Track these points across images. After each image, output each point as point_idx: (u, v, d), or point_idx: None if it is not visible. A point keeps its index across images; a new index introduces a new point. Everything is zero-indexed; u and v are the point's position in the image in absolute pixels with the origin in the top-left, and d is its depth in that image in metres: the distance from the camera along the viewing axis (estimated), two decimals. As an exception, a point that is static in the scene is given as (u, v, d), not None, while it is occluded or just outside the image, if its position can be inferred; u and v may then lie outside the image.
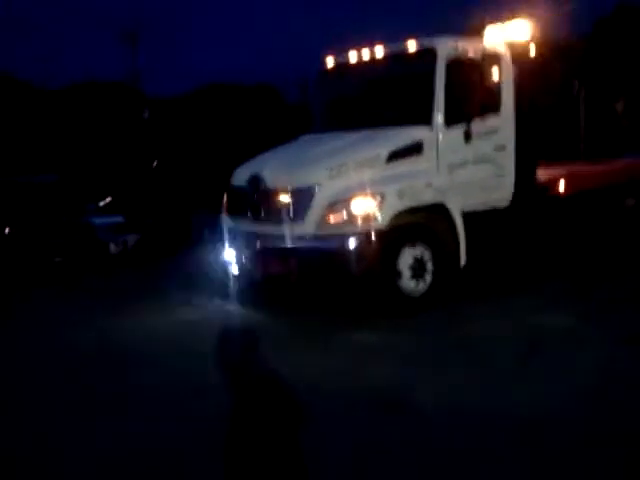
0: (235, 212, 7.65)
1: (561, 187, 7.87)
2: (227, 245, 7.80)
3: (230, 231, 7.73)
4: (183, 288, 8.62)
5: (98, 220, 17.92)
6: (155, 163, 30.32)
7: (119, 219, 18.11)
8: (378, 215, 6.51)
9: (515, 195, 7.57)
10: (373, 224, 6.51)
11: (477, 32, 7.78)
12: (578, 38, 14.41)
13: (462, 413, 4.30)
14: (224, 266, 7.82)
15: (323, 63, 8.25)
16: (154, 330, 6.86)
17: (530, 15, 7.73)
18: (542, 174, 7.78)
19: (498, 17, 7.80)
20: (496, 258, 7.47)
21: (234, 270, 7.71)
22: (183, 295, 8.24)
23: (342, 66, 8.06)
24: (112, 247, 17.26)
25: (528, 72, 7.56)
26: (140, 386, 5.15)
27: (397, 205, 6.60)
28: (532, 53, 7.55)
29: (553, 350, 5.45)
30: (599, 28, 20.30)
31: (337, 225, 6.62)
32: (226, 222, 7.85)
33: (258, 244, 7.20)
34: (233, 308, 7.70)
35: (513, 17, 7.67)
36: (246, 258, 7.44)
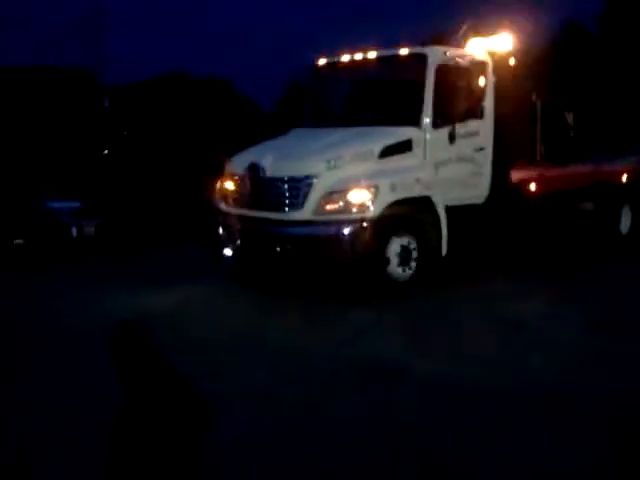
0: (231, 197, 8.09)
1: (532, 188, 8.61)
2: (221, 228, 8.26)
3: (225, 215, 8.18)
4: (180, 269, 9.08)
5: (56, 204, 17.98)
6: (106, 151, 30.17)
7: (76, 204, 18.21)
8: (372, 205, 7.07)
9: (491, 193, 8.28)
10: (367, 213, 7.08)
11: (460, 43, 8.42)
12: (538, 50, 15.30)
13: (447, 381, 4.91)
14: (219, 248, 8.28)
15: (316, 61, 8.78)
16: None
17: (510, 28, 8.43)
18: (515, 175, 8.50)
19: (481, 29, 8.47)
20: (473, 249, 8.14)
21: (228, 252, 8.17)
22: (181, 275, 8.69)
23: (335, 65, 8.60)
24: (74, 231, 17.39)
25: (506, 81, 8.26)
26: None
27: (389, 197, 7.19)
28: (511, 64, 8.26)
29: (529, 332, 6.09)
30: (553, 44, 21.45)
31: (333, 213, 7.16)
32: (221, 206, 8.29)
33: (256, 228, 7.69)
34: (229, 287, 8.20)
35: (495, 30, 8.36)
36: (242, 241, 7.91)
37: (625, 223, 10.17)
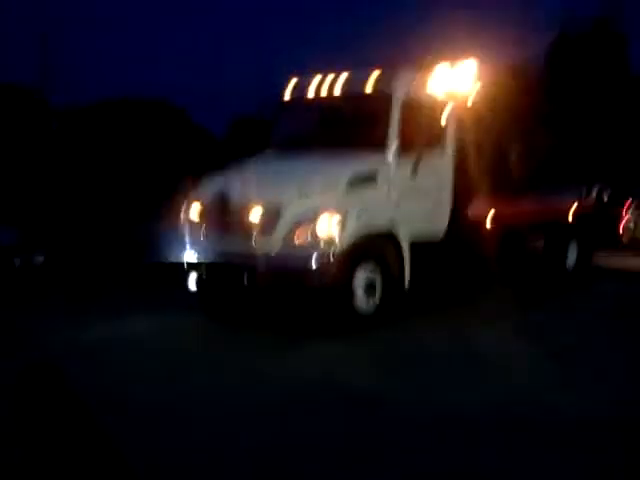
0: (198, 225, 8.03)
1: (487, 224, 8.89)
2: (186, 257, 8.18)
3: (191, 243, 8.10)
4: (140, 299, 8.93)
5: None
6: (44, 176, 29.40)
7: (13, 232, 17.64)
8: (340, 237, 7.18)
9: (449, 228, 8.51)
10: (334, 245, 7.17)
11: (427, 69, 8.61)
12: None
13: (422, 407, 5.09)
14: (183, 277, 8.19)
15: (286, 85, 8.89)
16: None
17: (477, 56, 8.69)
18: (472, 210, 8.77)
19: (446, 56, 8.70)
20: (433, 283, 8.32)
21: (192, 282, 8.09)
22: (142, 306, 8.56)
23: (304, 90, 8.69)
24: (17, 261, 16.83)
25: (467, 116, 8.54)
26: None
27: (357, 230, 7.30)
28: (473, 99, 8.54)
29: (484, 359, 6.33)
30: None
31: (301, 243, 7.22)
32: (186, 234, 8.21)
33: (222, 258, 7.66)
34: (193, 319, 8.13)
35: (460, 57, 8.59)
36: (207, 270, 7.85)
37: (571, 259, 10.60)
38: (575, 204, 10.90)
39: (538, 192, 10.36)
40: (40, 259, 16.74)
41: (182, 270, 8.20)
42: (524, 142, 10.88)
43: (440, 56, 8.67)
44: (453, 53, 8.71)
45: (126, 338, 7.24)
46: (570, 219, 10.57)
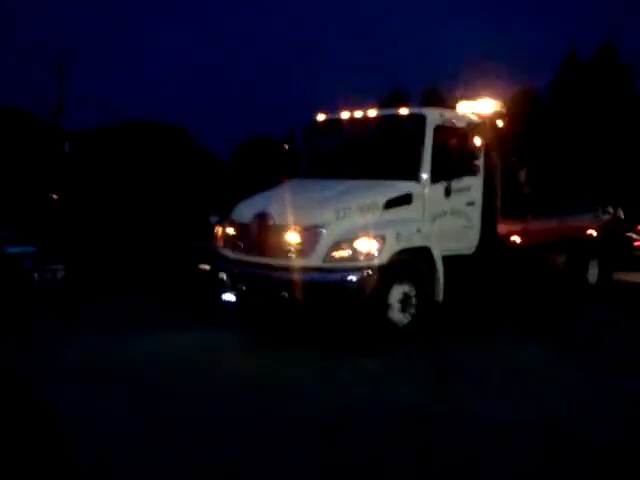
0: (236, 244, 8.36)
1: (516, 240, 9.23)
2: (224, 275, 8.50)
3: (229, 262, 8.43)
4: (179, 316, 9.21)
5: (10, 249, 17.73)
6: (55, 196, 29.89)
7: (31, 249, 18.01)
8: (378, 254, 7.49)
9: (479, 244, 8.84)
10: (373, 261, 7.48)
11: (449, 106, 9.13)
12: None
13: (462, 418, 5.29)
14: (220, 295, 8.50)
15: (316, 115, 9.29)
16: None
17: (493, 94, 9.20)
18: (501, 228, 9.11)
19: (466, 94, 9.22)
20: (464, 297, 8.62)
21: (230, 297, 8.39)
22: (181, 322, 8.84)
23: (335, 121, 9.12)
24: (36, 276, 17.15)
25: (493, 140, 8.94)
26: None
27: (394, 246, 7.62)
28: (498, 125, 8.98)
29: (524, 374, 6.56)
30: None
31: (341, 260, 7.53)
32: (224, 253, 8.55)
33: (263, 274, 7.96)
34: (232, 334, 8.40)
35: (480, 95, 9.11)
36: (247, 287, 8.16)
37: (592, 274, 10.94)
38: (593, 222, 11.26)
39: (557, 211, 10.71)
40: (60, 274, 17.06)
41: (219, 285, 8.53)
42: (540, 165, 11.26)
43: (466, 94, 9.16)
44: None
45: (173, 353, 7.48)
46: (589, 236, 10.92)
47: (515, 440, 4.81)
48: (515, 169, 10.07)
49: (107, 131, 35.27)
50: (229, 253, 8.47)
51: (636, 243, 12.89)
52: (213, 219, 19.27)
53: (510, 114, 9.21)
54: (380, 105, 10.65)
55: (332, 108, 9.28)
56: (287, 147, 9.99)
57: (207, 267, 13.59)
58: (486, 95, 9.22)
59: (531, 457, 4.53)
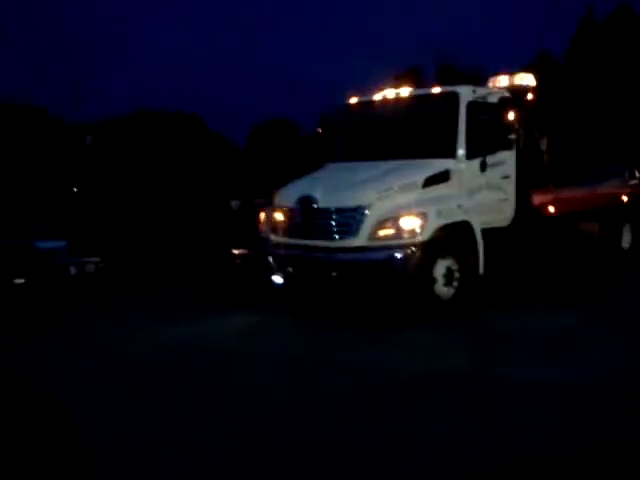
0: (282, 228, 8.67)
1: (550, 210, 9.45)
2: (271, 258, 8.83)
3: (275, 245, 8.75)
4: (232, 298, 9.57)
5: (43, 244, 18.18)
6: (75, 189, 30.29)
7: (63, 243, 18.46)
8: (421, 231, 7.77)
9: (516, 216, 9.08)
10: (417, 238, 7.76)
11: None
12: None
13: (514, 381, 5.48)
14: (268, 277, 8.84)
15: (349, 99, 9.53)
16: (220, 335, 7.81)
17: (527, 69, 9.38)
18: (536, 199, 9.34)
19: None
20: (504, 268, 8.88)
21: (278, 279, 8.73)
22: (236, 303, 9.20)
23: (368, 103, 9.36)
24: (72, 269, 17.62)
25: (525, 114, 9.14)
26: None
27: (436, 222, 7.89)
28: (530, 99, 9.16)
29: (571, 339, 6.80)
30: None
31: (386, 239, 7.82)
32: (270, 237, 8.87)
33: (309, 256, 8.27)
34: (279, 315, 8.73)
35: (515, 70, 9.31)
36: (295, 268, 8.48)
37: (626, 239, 11.15)
38: (622, 187, 11.45)
39: (580, 179, 10.92)
40: (92, 267, 17.50)
41: (267, 267, 8.86)
42: (560, 132, 11.38)
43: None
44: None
45: (230, 333, 7.81)
46: (621, 202, 11.11)
47: (560, 399, 5.07)
48: (537, 139, 10.25)
49: (123, 121, 35.54)
50: (274, 237, 8.79)
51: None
52: (234, 204, 19.59)
53: (538, 86, 9.39)
54: (397, 83, 10.78)
55: (347, 90, 9.53)
56: (320, 130, 10.23)
57: (242, 251, 13.96)
58: (518, 69, 9.39)
59: (576, 414, 4.78)
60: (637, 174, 14.35)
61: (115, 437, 4.57)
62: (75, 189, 29.81)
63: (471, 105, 8.55)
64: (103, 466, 3.01)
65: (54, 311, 10.07)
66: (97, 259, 17.79)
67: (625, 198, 11.06)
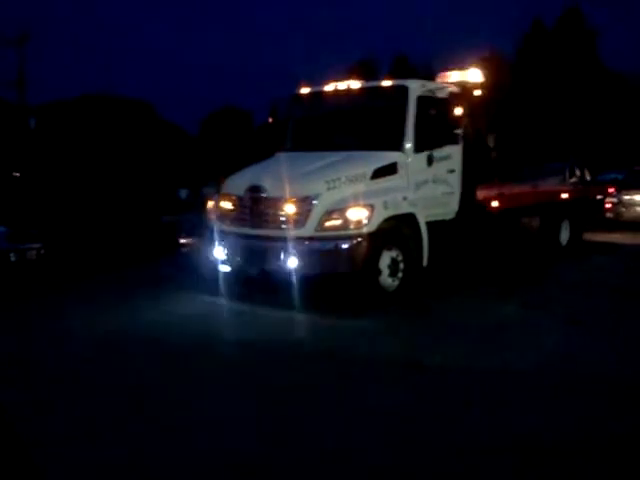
0: (230, 217, 8.65)
1: (494, 204, 9.69)
2: (218, 245, 8.80)
3: (223, 233, 8.72)
4: (173, 285, 9.47)
5: None
6: (17, 174, 29.46)
7: (2, 229, 17.99)
8: (368, 222, 7.86)
9: (460, 209, 9.28)
10: (364, 229, 7.86)
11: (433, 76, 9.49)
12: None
13: (453, 369, 5.69)
14: (213, 264, 8.81)
15: (299, 88, 9.55)
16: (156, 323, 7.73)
17: (477, 64, 9.57)
18: (480, 193, 9.56)
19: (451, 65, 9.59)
20: (447, 260, 9.08)
21: (226, 268, 8.72)
22: (176, 291, 9.12)
23: (319, 94, 9.40)
24: (12, 256, 17.19)
25: (473, 110, 9.33)
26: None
27: (383, 214, 8.00)
28: (478, 95, 9.36)
29: (511, 328, 7.04)
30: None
31: (334, 229, 7.89)
32: (218, 225, 8.83)
33: (257, 245, 8.29)
34: (225, 302, 8.71)
35: (465, 66, 9.48)
36: (241, 257, 8.48)
37: (564, 235, 11.53)
38: (563, 185, 11.83)
39: (529, 176, 11.23)
40: (33, 253, 17.09)
41: (214, 256, 8.83)
42: (507, 129, 11.68)
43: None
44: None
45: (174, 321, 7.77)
46: (561, 199, 11.48)
47: (506, 386, 5.27)
48: (483, 134, 10.49)
49: (69, 105, 34.58)
50: (222, 225, 8.76)
51: (607, 205, 13.52)
52: (182, 193, 19.34)
53: (488, 83, 9.60)
54: (350, 74, 10.91)
55: (299, 78, 9.57)
56: (271, 120, 10.21)
57: (188, 240, 13.86)
58: (466, 64, 9.56)
59: (514, 399, 4.99)
60: (577, 172, 14.82)
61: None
62: (16, 174, 28.98)
63: (420, 99, 8.68)
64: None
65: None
66: (39, 245, 17.39)
67: (565, 195, 11.43)
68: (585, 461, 3.95)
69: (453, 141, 8.98)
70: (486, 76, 9.63)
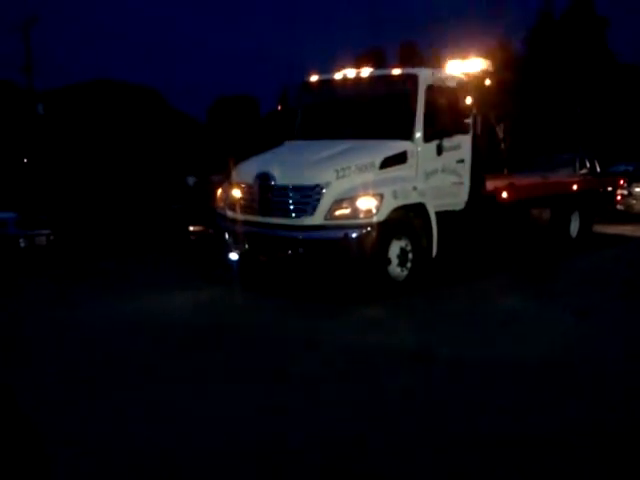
0: (239, 205, 8.64)
1: (504, 195, 9.64)
2: (227, 234, 8.81)
3: (232, 221, 8.72)
4: (185, 274, 9.51)
5: None
6: (25, 160, 29.55)
7: (12, 215, 18.08)
8: (377, 211, 7.84)
9: (469, 200, 9.24)
10: (373, 218, 7.83)
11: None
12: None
13: (462, 360, 5.65)
14: (224, 253, 8.83)
15: (309, 76, 9.51)
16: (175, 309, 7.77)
17: (482, 53, 9.51)
18: (490, 184, 9.52)
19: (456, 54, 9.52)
20: (456, 251, 9.05)
21: (234, 256, 8.73)
22: (189, 280, 9.14)
23: (328, 83, 9.35)
24: (22, 242, 17.30)
25: (482, 99, 9.28)
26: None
27: (392, 204, 7.97)
28: (486, 84, 9.30)
29: (519, 320, 7.01)
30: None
31: (342, 218, 7.86)
32: (227, 213, 8.83)
33: (266, 233, 8.28)
34: (234, 290, 8.74)
35: (469, 55, 9.41)
36: (250, 245, 8.48)
37: (574, 227, 11.47)
38: (573, 176, 11.75)
39: (539, 167, 11.17)
40: (43, 239, 17.19)
41: (223, 244, 8.84)
42: (517, 120, 11.60)
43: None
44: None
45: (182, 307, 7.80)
46: (571, 191, 11.40)
47: (513, 378, 5.25)
48: (493, 125, 10.44)
49: (77, 90, 34.61)
50: (231, 213, 8.76)
51: (618, 197, 13.43)
52: (189, 181, 19.47)
53: (496, 72, 9.53)
54: (358, 63, 10.84)
55: (309, 66, 9.53)
56: (280, 108, 10.18)
57: (197, 228, 13.86)
58: (474, 54, 9.51)
59: (527, 390, 4.97)
60: (587, 164, 14.73)
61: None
62: (25, 160, 29.05)
63: (430, 88, 8.63)
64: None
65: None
66: (48, 231, 17.47)
67: (575, 187, 11.36)
68: (591, 455, 3.93)
69: (463, 131, 8.92)
70: (494, 66, 9.56)
